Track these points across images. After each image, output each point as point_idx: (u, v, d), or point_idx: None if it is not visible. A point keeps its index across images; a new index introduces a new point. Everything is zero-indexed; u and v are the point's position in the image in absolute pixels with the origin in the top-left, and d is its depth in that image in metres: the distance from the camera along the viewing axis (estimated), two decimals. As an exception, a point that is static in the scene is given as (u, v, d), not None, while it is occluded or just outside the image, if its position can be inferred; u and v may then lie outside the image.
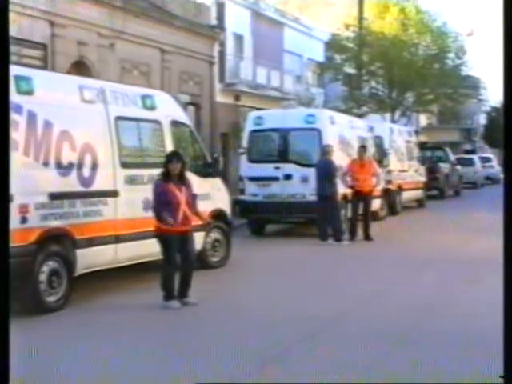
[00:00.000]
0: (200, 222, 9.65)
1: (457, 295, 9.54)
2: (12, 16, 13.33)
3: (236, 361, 6.54)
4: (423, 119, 53.58)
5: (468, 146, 53.54)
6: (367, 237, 15.70)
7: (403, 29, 34.85)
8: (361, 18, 35.69)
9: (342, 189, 15.73)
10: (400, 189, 22.74)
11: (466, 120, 59.25)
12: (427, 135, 49.04)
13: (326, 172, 15.03)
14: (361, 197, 15.87)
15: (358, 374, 6.03)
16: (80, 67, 19.21)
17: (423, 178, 26.11)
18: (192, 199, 9.04)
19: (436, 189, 29.65)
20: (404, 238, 16.64)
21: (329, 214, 15.06)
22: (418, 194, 25.43)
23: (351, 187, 15.90)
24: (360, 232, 15.73)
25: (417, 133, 36.22)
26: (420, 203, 25.82)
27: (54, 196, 8.65)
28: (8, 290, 3.74)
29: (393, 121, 34.29)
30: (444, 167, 30.83)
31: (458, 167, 33.37)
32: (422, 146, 30.63)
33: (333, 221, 15.20)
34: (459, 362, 6.30)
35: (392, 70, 33.71)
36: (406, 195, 23.62)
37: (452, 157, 33.45)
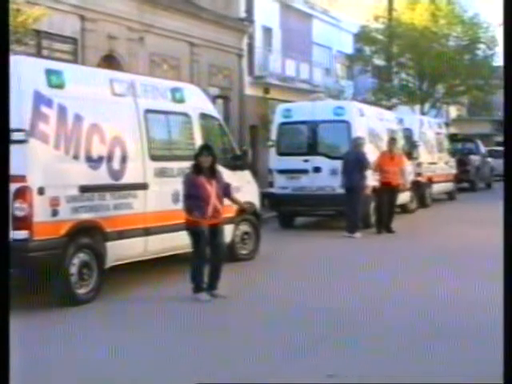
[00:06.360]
0: (231, 215, 9.69)
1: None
2: (43, 10, 13.46)
3: (265, 353, 6.55)
4: (453, 111, 53.09)
5: (499, 138, 52.93)
6: (389, 229, 15.66)
7: (434, 20, 34.52)
8: (390, 10, 35.45)
9: (372, 182, 15.67)
10: (430, 181, 22.57)
11: (498, 111, 58.53)
12: (458, 127, 48.58)
13: (354, 164, 14.96)
14: (388, 189, 15.81)
15: (384, 369, 6.03)
16: (110, 61, 19.32)
17: (454, 171, 25.88)
18: (227, 189, 9.12)
19: (467, 181, 29.40)
20: (429, 232, 16.47)
21: (354, 206, 15.02)
22: (449, 186, 25.22)
23: (380, 179, 15.84)
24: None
25: (447, 125, 35.91)
26: (450, 196, 25.61)
27: (85, 189, 8.71)
28: (8, 290, 3.74)
29: (422, 113, 34.02)
30: (475, 159, 30.54)
31: (490, 159, 33.01)
32: (453, 138, 30.35)
33: (353, 213, 15.11)
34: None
35: (422, 62, 33.41)
36: (437, 188, 23.44)
37: (483, 149, 33.11)
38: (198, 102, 11.42)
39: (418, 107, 35.82)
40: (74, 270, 8.53)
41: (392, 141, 16.38)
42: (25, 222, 7.92)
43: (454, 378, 5.69)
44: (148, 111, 10.03)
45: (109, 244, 9.03)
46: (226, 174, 10.04)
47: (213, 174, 8.91)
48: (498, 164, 34.97)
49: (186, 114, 10.90)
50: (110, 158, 9.19)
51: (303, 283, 10.08)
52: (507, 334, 3.72)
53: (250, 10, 27.89)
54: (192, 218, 8.74)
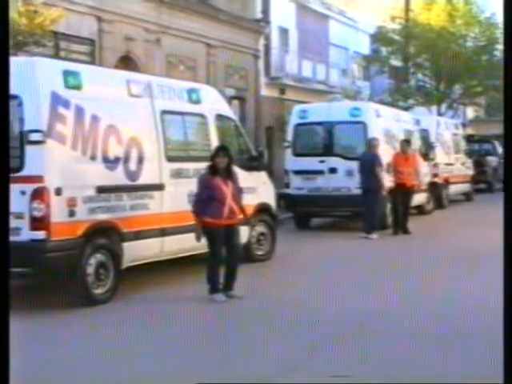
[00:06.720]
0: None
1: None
2: (60, 12, 13.55)
3: (281, 354, 6.55)
4: (470, 112, 52.83)
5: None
6: (405, 230, 15.63)
7: (451, 20, 34.36)
8: (407, 10, 35.31)
9: (388, 183, 15.64)
10: (447, 182, 22.47)
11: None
12: (475, 128, 48.26)
13: (371, 165, 14.95)
14: (403, 190, 15.77)
15: (400, 371, 6.02)
16: (127, 62, 19.41)
17: (470, 172, 25.77)
18: (237, 193, 9.09)
19: (484, 182, 29.28)
20: (446, 233, 16.39)
21: (372, 207, 15.01)
22: (466, 187, 25.11)
23: (394, 180, 15.81)
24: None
25: (464, 125, 35.75)
26: (467, 197, 25.50)
27: (101, 189, 8.75)
28: (8, 290, 3.77)
29: (439, 113, 33.88)
30: (492, 160, 30.39)
31: (507, 160, 32.82)
32: (470, 139, 30.20)
33: (370, 214, 15.07)
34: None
35: (439, 63, 33.25)
36: (453, 189, 23.34)
37: (500, 150, 32.91)
38: (214, 102, 11.44)
39: (434, 108, 35.67)
40: (90, 270, 8.57)
41: (405, 142, 16.31)
42: (42, 223, 7.97)
43: (454, 378, 5.68)
44: (164, 112, 10.06)
45: (125, 244, 9.07)
46: (242, 175, 10.06)
47: (229, 174, 8.93)
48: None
49: (202, 115, 10.93)
50: (126, 159, 9.23)
51: (319, 284, 10.07)
52: (507, 334, 3.71)
53: (266, 10, 27.90)
54: (207, 218, 8.76)
